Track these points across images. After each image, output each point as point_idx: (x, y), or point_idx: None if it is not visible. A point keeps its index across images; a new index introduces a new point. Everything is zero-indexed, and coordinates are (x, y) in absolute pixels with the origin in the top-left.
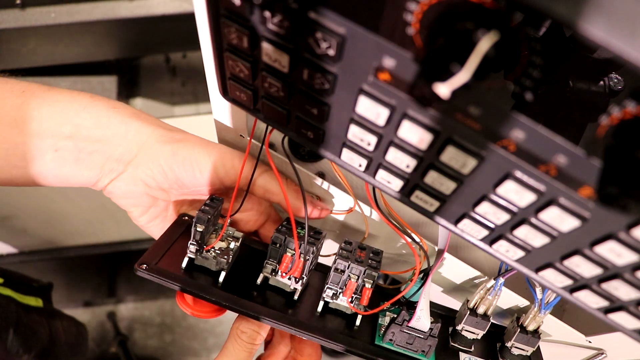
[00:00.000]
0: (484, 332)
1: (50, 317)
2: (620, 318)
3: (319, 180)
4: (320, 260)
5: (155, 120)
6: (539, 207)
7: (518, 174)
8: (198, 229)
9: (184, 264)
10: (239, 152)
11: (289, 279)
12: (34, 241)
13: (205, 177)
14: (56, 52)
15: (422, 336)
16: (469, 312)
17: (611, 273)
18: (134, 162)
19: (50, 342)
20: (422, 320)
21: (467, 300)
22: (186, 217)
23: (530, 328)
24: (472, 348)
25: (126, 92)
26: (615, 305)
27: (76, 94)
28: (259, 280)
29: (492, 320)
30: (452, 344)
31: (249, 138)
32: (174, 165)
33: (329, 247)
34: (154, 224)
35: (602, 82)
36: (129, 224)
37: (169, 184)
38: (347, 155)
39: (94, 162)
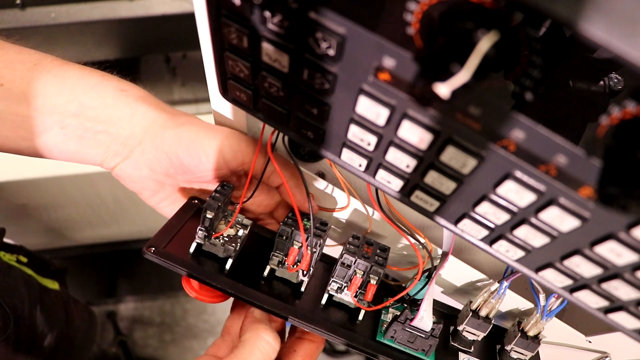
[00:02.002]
0: (485, 334)
1: (66, 301)
2: (620, 318)
3: (319, 181)
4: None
5: (161, 105)
6: (539, 207)
7: (518, 174)
8: (208, 216)
9: (191, 249)
10: (245, 135)
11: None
12: (34, 241)
13: (210, 161)
14: (56, 52)
15: (424, 336)
16: (471, 314)
17: (611, 273)
18: (140, 148)
19: (66, 324)
20: (424, 320)
21: (470, 302)
22: (196, 201)
23: (531, 334)
24: (472, 349)
25: None
26: (615, 305)
27: (87, 72)
28: (265, 272)
29: (493, 322)
30: (452, 343)
31: (257, 139)
32: (178, 151)
33: (331, 242)
34: (164, 205)
35: (602, 82)
36: (129, 224)
37: (174, 169)
38: (347, 155)
39: (99, 142)
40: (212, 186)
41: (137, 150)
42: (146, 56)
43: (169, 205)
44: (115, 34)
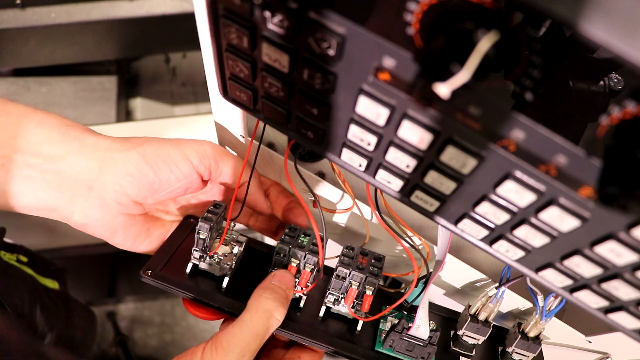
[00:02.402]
0: (485, 338)
1: (66, 300)
2: (620, 318)
3: (319, 181)
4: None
5: (109, 136)
6: (539, 207)
7: (518, 174)
8: (201, 237)
9: (188, 269)
10: (207, 141)
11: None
12: (34, 241)
13: (180, 169)
14: (56, 52)
15: (422, 344)
16: (470, 319)
17: (611, 273)
18: (99, 182)
19: (66, 324)
20: (421, 328)
21: (469, 306)
22: (192, 219)
23: (532, 335)
24: (473, 352)
25: (126, 92)
26: (615, 305)
27: (31, 110)
28: None
29: (494, 323)
30: (454, 348)
31: (250, 138)
32: (145, 169)
33: (332, 248)
34: (139, 243)
35: (602, 82)
36: None
37: (143, 192)
38: (347, 155)
39: (48, 183)
40: (178, 202)
41: (97, 185)
42: (146, 56)
43: (144, 241)
44: (115, 34)
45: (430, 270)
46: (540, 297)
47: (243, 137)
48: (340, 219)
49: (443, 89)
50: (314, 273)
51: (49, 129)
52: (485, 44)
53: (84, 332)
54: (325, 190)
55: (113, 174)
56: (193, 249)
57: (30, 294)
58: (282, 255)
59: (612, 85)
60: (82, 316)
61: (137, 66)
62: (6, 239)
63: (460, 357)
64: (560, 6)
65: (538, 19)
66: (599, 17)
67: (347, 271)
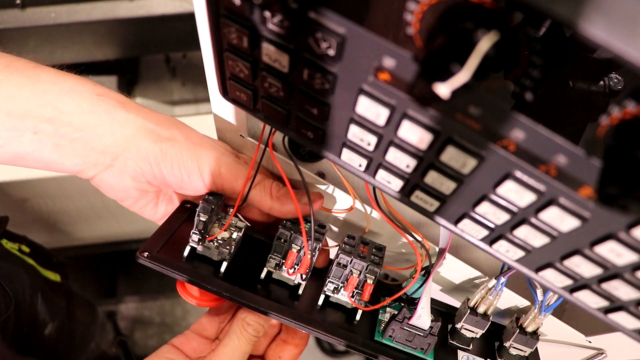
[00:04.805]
0: (483, 332)
1: (67, 293)
2: (620, 318)
3: (319, 181)
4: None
5: (142, 111)
6: (539, 207)
7: (518, 174)
8: (201, 219)
9: (185, 253)
10: (226, 159)
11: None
12: (34, 240)
13: (192, 181)
14: (56, 52)
15: (422, 334)
16: (469, 311)
17: (611, 273)
18: (122, 158)
19: (68, 316)
20: (422, 318)
21: (468, 299)
22: (189, 205)
23: (530, 329)
24: (471, 346)
25: (126, 92)
26: (615, 305)
27: (61, 76)
28: (262, 275)
29: (491, 320)
30: (451, 341)
31: (252, 140)
32: (162, 166)
33: (331, 243)
34: (146, 210)
35: (602, 82)
36: (130, 223)
37: (157, 181)
38: (347, 155)
39: (76, 151)
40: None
41: (120, 159)
42: (146, 56)
43: (151, 210)
44: (115, 34)
45: (432, 262)
46: (539, 291)
47: (243, 137)
48: (340, 214)
49: (443, 89)
50: (313, 260)
51: (79, 98)
52: (485, 44)
53: (85, 326)
54: (325, 190)
55: (136, 155)
56: (192, 231)
57: (31, 282)
58: (282, 240)
59: (612, 85)
60: (84, 311)
61: (137, 66)
62: (9, 228)
63: (458, 350)
64: (560, 6)
65: (538, 19)
66: (599, 17)
67: (349, 258)
